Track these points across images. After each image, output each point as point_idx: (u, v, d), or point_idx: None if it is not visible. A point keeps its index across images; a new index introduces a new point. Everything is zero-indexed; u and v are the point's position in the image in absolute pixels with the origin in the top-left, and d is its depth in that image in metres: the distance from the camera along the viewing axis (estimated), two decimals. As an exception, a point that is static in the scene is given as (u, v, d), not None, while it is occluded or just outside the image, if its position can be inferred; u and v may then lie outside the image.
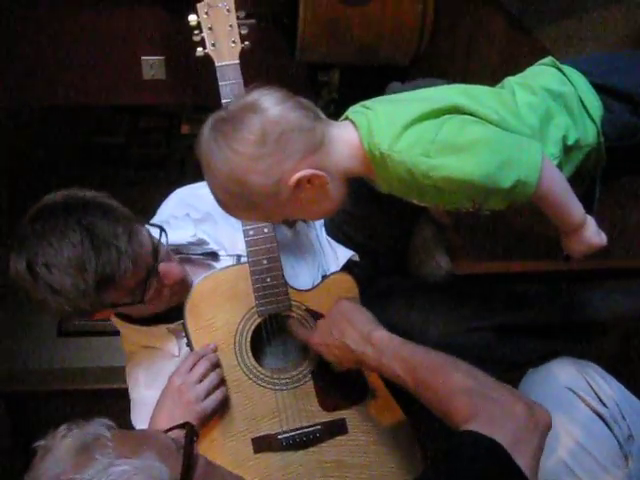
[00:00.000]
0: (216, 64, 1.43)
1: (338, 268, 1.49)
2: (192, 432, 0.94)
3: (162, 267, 1.31)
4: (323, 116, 1.07)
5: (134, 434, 0.93)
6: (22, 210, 1.27)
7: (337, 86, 2.74)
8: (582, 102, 1.11)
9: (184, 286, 1.39)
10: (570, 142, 1.09)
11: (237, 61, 1.42)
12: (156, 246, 1.30)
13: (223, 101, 1.38)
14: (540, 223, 1.41)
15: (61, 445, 0.84)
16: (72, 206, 1.23)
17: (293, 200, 1.06)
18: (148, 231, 1.32)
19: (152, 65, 2.78)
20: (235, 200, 1.08)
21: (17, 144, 2.92)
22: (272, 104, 1.02)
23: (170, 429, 0.98)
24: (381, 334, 1.17)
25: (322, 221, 1.60)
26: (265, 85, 1.07)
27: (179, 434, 0.95)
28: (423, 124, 1.02)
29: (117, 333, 1.56)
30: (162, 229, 1.34)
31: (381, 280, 1.54)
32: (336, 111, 1.13)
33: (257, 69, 1.65)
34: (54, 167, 2.85)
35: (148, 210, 1.60)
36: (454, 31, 2.39)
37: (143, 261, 1.26)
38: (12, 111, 2.91)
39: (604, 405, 1.09)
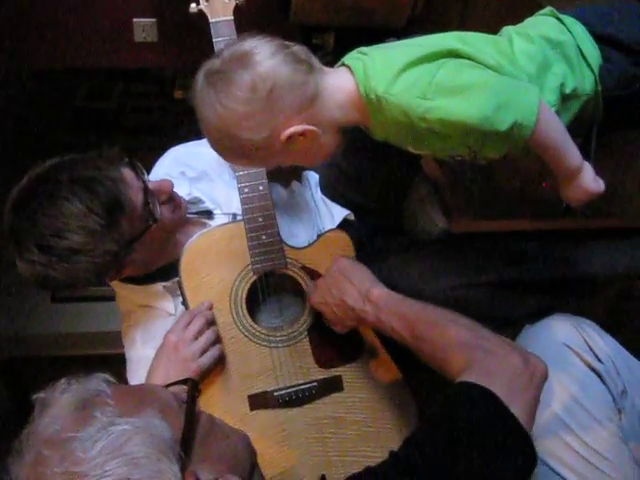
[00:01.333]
0: (210, 20, 1.40)
1: (334, 227, 1.49)
2: (194, 388, 0.93)
3: (151, 185, 1.31)
4: (318, 65, 1.06)
5: (135, 390, 0.91)
6: (13, 176, 1.25)
7: (332, 49, 2.71)
8: (581, 51, 1.10)
9: (181, 209, 1.38)
10: (568, 91, 1.09)
11: (231, 17, 1.39)
12: (137, 169, 1.30)
13: (217, 53, 1.37)
14: (531, 186, 1.41)
15: (60, 400, 0.82)
16: (45, 175, 1.23)
17: (286, 151, 1.06)
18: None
19: (144, 27, 2.75)
20: (227, 149, 1.10)
21: (7, 109, 2.89)
22: (264, 57, 1.01)
23: (171, 384, 0.97)
24: (379, 291, 1.18)
25: (317, 180, 1.59)
26: (259, 34, 1.05)
27: (180, 390, 0.94)
28: (420, 67, 1.01)
29: (112, 298, 1.56)
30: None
31: (377, 239, 1.54)
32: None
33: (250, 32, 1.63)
34: (46, 132, 2.83)
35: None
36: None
37: (134, 183, 1.27)
38: (1, 76, 2.88)
39: (599, 361, 1.09)
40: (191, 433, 0.86)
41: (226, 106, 1.01)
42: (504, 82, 1.00)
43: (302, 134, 1.04)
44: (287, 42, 1.04)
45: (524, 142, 1.00)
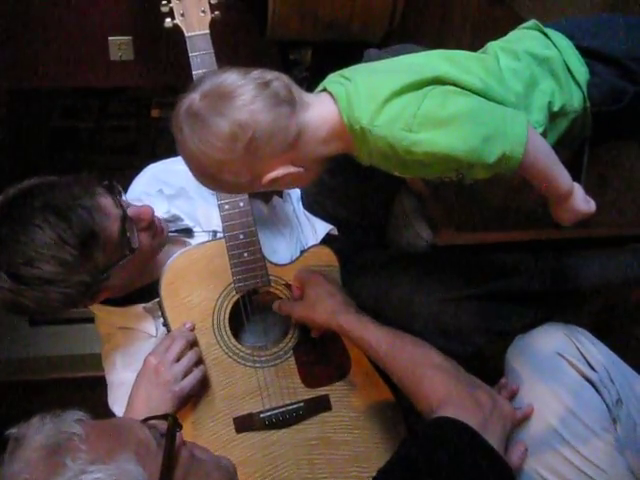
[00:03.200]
0: (186, 35, 1.38)
1: (317, 242, 1.47)
2: (175, 425, 0.88)
3: (130, 211, 1.27)
4: (298, 96, 1.02)
5: (109, 430, 0.84)
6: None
7: (309, 65, 2.70)
8: (567, 67, 1.09)
9: (162, 235, 1.35)
10: (556, 108, 1.07)
11: (207, 31, 1.38)
12: (116, 196, 1.26)
13: (194, 72, 1.35)
14: (516, 197, 1.40)
15: (32, 442, 0.78)
16: (19, 198, 1.19)
17: (269, 186, 1.06)
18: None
19: (119, 46, 2.72)
20: (210, 185, 1.09)
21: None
22: (244, 102, 0.98)
23: (150, 418, 0.92)
24: (346, 317, 1.22)
25: (299, 195, 1.57)
26: (238, 67, 1.02)
27: (160, 422, 0.89)
28: (404, 97, 0.99)
29: (91, 320, 1.53)
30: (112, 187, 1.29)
31: (362, 254, 1.52)
32: (308, 90, 1.09)
33: (227, 49, 1.61)
34: (22, 152, 2.79)
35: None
36: (427, 6, 2.36)
37: (112, 211, 1.23)
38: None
39: (593, 370, 1.08)
40: (168, 478, 0.82)
41: (205, 153, 0.99)
42: (491, 111, 0.99)
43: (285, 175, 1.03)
44: (267, 76, 1.01)
45: (512, 171, 0.99)
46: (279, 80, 1.01)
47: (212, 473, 0.90)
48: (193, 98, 1.00)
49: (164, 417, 0.89)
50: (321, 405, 1.30)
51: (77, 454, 0.77)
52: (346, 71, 1.07)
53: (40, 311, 1.21)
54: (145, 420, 0.90)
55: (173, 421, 0.88)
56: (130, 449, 0.80)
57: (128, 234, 1.24)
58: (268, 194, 1.53)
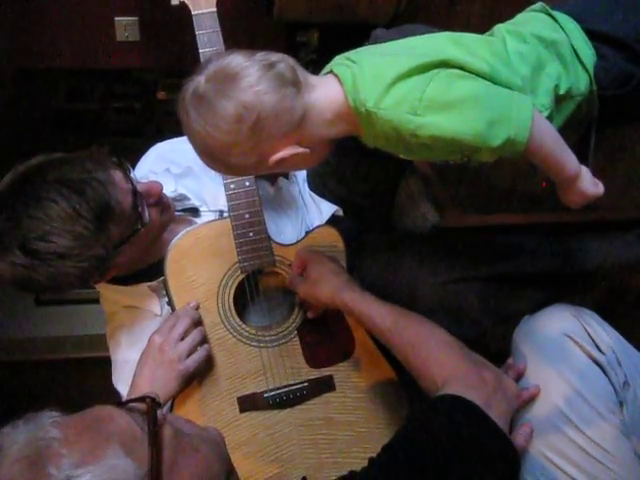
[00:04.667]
0: (192, 13, 1.37)
1: (322, 223, 1.46)
2: (154, 407, 0.83)
3: (140, 187, 1.27)
4: (303, 78, 1.02)
5: (88, 425, 0.79)
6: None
7: (316, 47, 2.69)
8: (575, 50, 1.07)
9: (170, 211, 1.36)
10: (562, 92, 1.06)
11: (214, 9, 1.36)
12: (126, 171, 1.26)
13: (200, 50, 1.33)
14: (523, 181, 1.40)
15: (10, 454, 0.73)
16: (30, 174, 1.19)
17: (276, 167, 1.06)
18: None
19: (126, 27, 2.70)
20: (216, 167, 1.09)
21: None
22: (249, 83, 0.98)
23: (129, 401, 0.87)
24: (350, 295, 1.22)
25: (304, 176, 1.56)
26: (243, 50, 1.02)
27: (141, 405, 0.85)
28: (410, 80, 0.98)
29: (96, 301, 1.53)
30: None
31: (367, 235, 1.51)
32: (314, 72, 1.09)
33: (233, 31, 1.60)
34: (26, 134, 2.79)
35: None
36: (435, -13, 2.35)
37: (124, 185, 1.23)
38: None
39: (601, 352, 1.07)
40: (159, 464, 0.78)
41: (211, 135, 0.99)
42: (497, 95, 0.98)
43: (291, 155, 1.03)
44: (272, 57, 1.01)
45: (517, 155, 0.99)
46: (284, 62, 1.01)
47: (200, 446, 0.87)
48: (198, 81, 1.00)
49: (141, 399, 0.85)
50: (325, 385, 1.31)
51: (60, 460, 0.73)
52: (352, 53, 1.06)
53: (50, 287, 1.19)
54: (122, 404, 0.86)
55: (152, 402, 0.84)
56: (114, 441, 0.77)
57: (139, 209, 1.24)
58: (274, 175, 1.53)
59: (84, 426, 0.79)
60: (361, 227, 1.52)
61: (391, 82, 0.97)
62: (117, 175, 1.23)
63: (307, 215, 1.52)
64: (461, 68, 1.00)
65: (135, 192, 1.24)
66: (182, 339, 1.25)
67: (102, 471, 0.73)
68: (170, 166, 1.49)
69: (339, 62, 1.05)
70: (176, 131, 1.68)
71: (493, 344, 1.27)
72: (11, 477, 0.72)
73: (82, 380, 2.26)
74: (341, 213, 1.51)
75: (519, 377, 1.11)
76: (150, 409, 0.83)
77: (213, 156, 1.04)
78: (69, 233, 1.14)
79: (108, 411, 0.82)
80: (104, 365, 1.45)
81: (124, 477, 0.74)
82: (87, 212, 1.15)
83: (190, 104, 1.00)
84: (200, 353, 1.26)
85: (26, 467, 0.72)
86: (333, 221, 1.47)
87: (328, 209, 1.50)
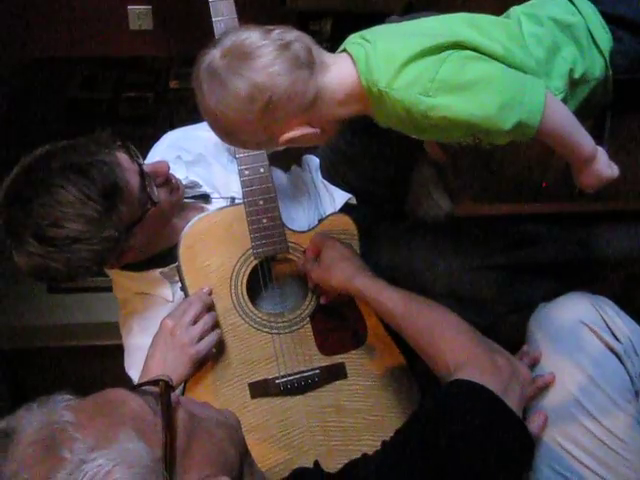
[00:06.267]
0: (210, 0, 1.37)
1: (335, 211, 1.46)
2: (168, 390, 0.83)
3: (147, 167, 1.28)
4: (318, 57, 1.02)
5: (101, 409, 0.78)
6: (5, 167, 1.22)
7: (329, 35, 2.68)
8: (591, 33, 1.07)
9: (179, 192, 1.36)
10: (577, 76, 1.06)
11: (231, -5, 1.37)
12: (131, 152, 1.27)
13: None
14: (533, 171, 1.38)
15: (24, 438, 0.74)
16: (37, 163, 1.19)
17: (287, 144, 1.07)
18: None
19: (139, 15, 2.71)
20: (229, 141, 1.11)
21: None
22: (264, 64, 0.97)
23: (142, 384, 0.88)
24: (362, 280, 1.21)
25: (317, 164, 1.56)
26: (260, 26, 1.02)
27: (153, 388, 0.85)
28: (423, 61, 0.98)
29: (108, 289, 1.53)
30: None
31: (380, 223, 1.51)
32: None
33: (247, 18, 1.59)
34: (38, 123, 2.79)
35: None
36: (449, -25, 2.32)
37: (130, 166, 1.24)
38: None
39: (617, 340, 1.06)
40: (173, 448, 0.78)
41: (222, 112, 1.00)
42: (509, 78, 0.98)
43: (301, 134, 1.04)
44: (288, 36, 1.00)
45: (528, 138, 0.99)
46: (300, 41, 1.01)
47: (215, 431, 0.86)
48: (214, 55, 1.00)
49: (154, 382, 0.84)
50: (337, 373, 1.30)
51: (73, 444, 0.73)
52: (367, 32, 1.06)
53: (67, 275, 1.19)
54: (135, 387, 0.86)
55: (165, 385, 0.83)
56: (127, 425, 0.77)
57: (148, 188, 1.25)
58: (288, 162, 1.52)
59: (96, 409, 0.79)
60: (374, 215, 1.52)
61: (404, 63, 0.97)
62: (122, 157, 1.24)
63: (320, 203, 1.51)
64: (475, 50, 0.99)
65: (142, 173, 1.25)
66: (194, 323, 1.25)
67: (115, 455, 0.73)
68: (181, 153, 1.49)
69: (353, 41, 1.06)
70: (188, 120, 1.68)
71: (507, 332, 1.27)
72: (25, 460, 0.72)
73: (94, 367, 2.26)
74: (354, 201, 1.50)
75: (534, 364, 1.10)
76: (163, 392, 0.82)
77: (224, 130, 1.05)
78: (80, 217, 1.15)
79: (120, 394, 0.82)
80: (116, 353, 1.46)
81: (138, 461, 0.74)
82: (95, 194, 1.16)
83: (204, 78, 1.00)
84: (212, 337, 1.26)
85: (40, 451, 0.73)
86: (346, 209, 1.47)
87: (341, 197, 1.50)
